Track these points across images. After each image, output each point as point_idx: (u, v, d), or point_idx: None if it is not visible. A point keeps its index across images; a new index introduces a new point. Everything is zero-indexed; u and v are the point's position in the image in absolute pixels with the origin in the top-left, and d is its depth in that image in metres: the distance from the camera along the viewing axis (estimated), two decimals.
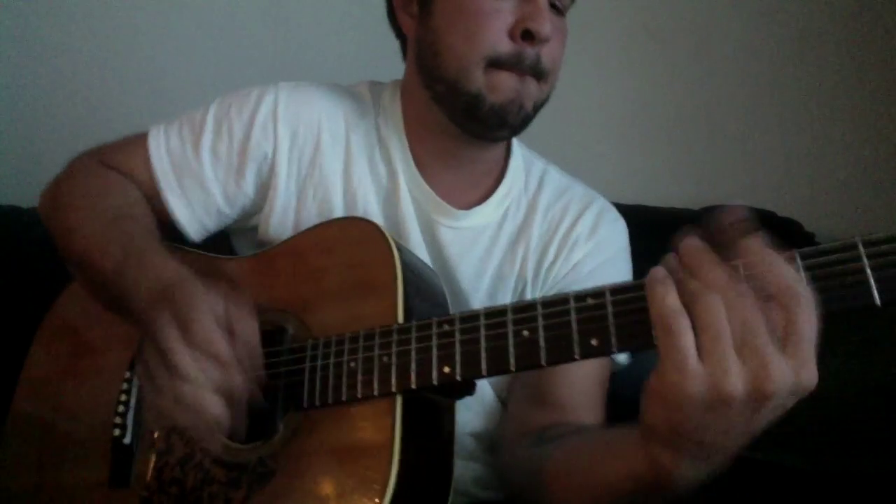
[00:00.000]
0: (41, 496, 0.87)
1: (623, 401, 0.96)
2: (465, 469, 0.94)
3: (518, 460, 0.89)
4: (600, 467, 0.72)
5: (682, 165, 1.78)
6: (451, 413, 0.80)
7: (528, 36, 0.87)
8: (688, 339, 0.55)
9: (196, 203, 0.96)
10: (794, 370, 0.54)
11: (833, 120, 1.76)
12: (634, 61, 1.79)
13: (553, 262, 0.98)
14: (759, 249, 0.57)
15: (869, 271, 0.55)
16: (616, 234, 1.03)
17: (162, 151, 0.96)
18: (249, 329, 0.74)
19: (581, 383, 0.92)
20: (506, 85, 0.88)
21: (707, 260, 0.57)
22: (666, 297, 0.57)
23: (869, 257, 0.55)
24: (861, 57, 1.76)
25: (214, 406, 0.69)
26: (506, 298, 0.98)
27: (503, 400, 0.99)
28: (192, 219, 0.96)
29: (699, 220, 1.80)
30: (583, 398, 0.92)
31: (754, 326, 0.54)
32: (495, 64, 0.87)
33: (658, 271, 0.59)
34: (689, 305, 0.56)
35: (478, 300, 0.97)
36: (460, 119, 0.93)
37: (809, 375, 0.55)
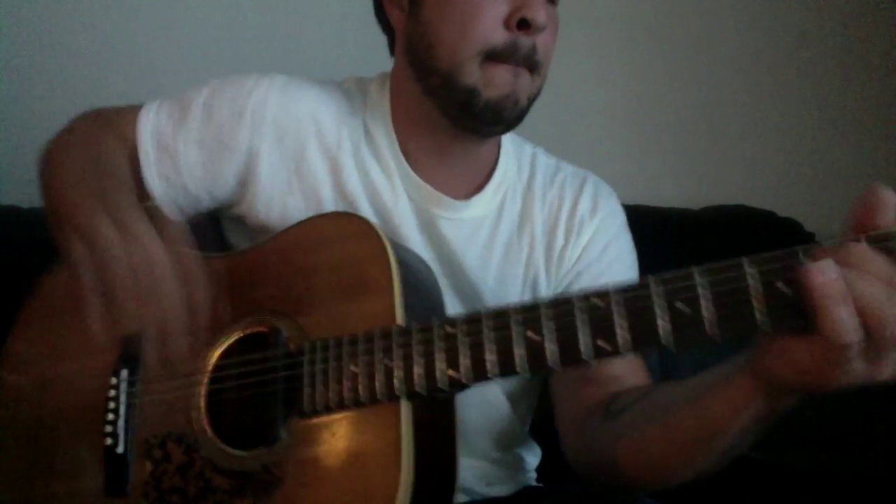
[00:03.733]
0: None
1: None
2: (468, 466, 0.94)
3: (589, 440, 0.87)
4: (696, 411, 0.71)
5: (682, 165, 1.78)
6: (452, 406, 0.78)
7: (525, 25, 0.85)
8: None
9: (171, 180, 0.94)
10: None
11: (833, 120, 1.76)
12: (634, 61, 1.79)
13: (564, 246, 0.98)
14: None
15: None
16: (614, 208, 1.04)
17: (149, 126, 0.95)
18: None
19: None
20: (501, 79, 0.87)
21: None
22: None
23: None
24: (861, 57, 1.76)
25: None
26: (516, 286, 0.97)
27: (508, 396, 0.98)
28: (166, 195, 0.94)
29: (699, 220, 1.79)
30: (629, 364, 0.90)
31: None
32: (491, 56, 0.86)
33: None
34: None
35: (487, 289, 0.96)
36: (454, 113, 0.91)
37: None
